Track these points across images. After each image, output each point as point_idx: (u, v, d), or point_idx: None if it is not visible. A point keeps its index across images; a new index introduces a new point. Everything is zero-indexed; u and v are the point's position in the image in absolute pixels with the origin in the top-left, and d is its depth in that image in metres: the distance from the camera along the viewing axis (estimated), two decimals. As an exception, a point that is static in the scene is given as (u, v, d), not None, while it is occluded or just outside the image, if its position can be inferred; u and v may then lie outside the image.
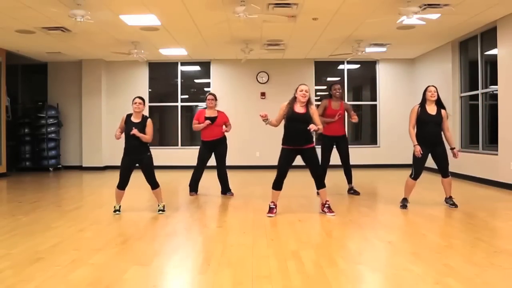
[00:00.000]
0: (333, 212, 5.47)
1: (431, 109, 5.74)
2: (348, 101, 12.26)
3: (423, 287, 3.00)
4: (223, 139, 7.08)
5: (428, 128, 5.69)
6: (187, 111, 12.75)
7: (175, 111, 12.34)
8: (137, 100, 5.53)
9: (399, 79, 12.19)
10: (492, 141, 8.44)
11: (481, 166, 8.53)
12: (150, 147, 5.67)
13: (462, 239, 4.39)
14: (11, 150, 11.30)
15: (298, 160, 6.91)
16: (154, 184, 5.66)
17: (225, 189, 7.17)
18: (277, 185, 5.44)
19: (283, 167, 5.38)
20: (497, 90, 8.07)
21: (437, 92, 5.77)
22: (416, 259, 3.61)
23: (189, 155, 10.63)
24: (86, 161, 12.00)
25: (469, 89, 9.49)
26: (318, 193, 6.98)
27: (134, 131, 5.37)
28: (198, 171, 7.12)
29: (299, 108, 5.31)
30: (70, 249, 3.95)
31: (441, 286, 2.98)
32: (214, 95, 7.10)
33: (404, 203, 5.87)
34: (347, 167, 7.00)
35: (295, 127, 5.28)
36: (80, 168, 12.01)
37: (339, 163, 7.03)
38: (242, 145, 11.37)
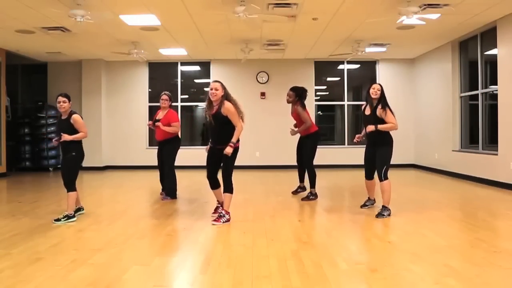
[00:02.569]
0: (219, 222, 5.01)
1: (368, 109, 5.59)
2: (348, 101, 12.30)
3: (423, 287, 3.00)
4: (169, 140, 6.69)
5: (365, 130, 5.58)
6: (187, 111, 12.76)
7: (175, 111, 12.32)
8: (60, 99, 5.19)
9: (399, 79, 12.18)
10: (492, 141, 8.44)
11: (481, 166, 8.53)
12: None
13: (462, 239, 4.39)
14: (11, 150, 11.29)
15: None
16: (67, 187, 5.25)
17: (165, 191, 6.83)
18: (210, 184, 5.34)
19: (207, 165, 5.30)
20: (497, 90, 8.07)
21: (382, 90, 5.51)
22: (416, 259, 3.61)
23: (189, 155, 10.64)
24: (86, 161, 11.75)
25: (469, 89, 9.49)
26: (293, 192, 7.01)
27: (64, 137, 5.10)
28: (160, 171, 6.96)
29: (212, 108, 5.12)
30: (70, 249, 3.95)
31: (441, 286, 2.98)
32: (168, 94, 6.88)
33: (365, 203, 5.87)
34: (301, 167, 6.81)
35: (210, 128, 5.20)
36: (80, 168, 11.99)
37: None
38: (242, 145, 11.31)
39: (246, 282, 3.09)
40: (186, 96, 12.47)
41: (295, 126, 6.75)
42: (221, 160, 5.18)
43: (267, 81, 12.09)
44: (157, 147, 6.97)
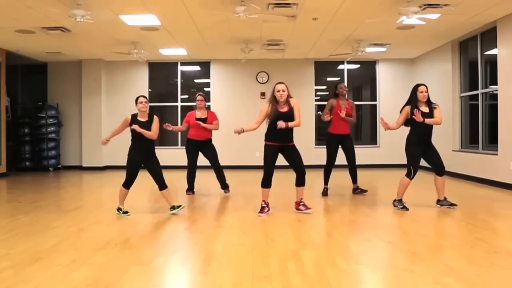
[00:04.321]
0: (310, 208, 5.54)
1: (424, 108, 5.64)
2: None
3: (423, 287, 3.00)
4: (211, 140, 7.16)
5: (423, 127, 5.59)
6: (187, 111, 12.72)
7: (175, 111, 12.34)
8: (143, 99, 5.48)
9: (399, 79, 12.18)
10: (492, 141, 8.44)
11: (481, 166, 8.53)
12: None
13: (462, 239, 4.39)
14: (11, 150, 11.29)
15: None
16: (163, 184, 5.56)
17: (224, 186, 7.25)
18: (267, 182, 5.43)
19: (271, 165, 5.38)
20: (497, 90, 8.07)
21: (427, 91, 5.67)
22: (416, 259, 3.61)
23: (189, 155, 10.64)
24: (86, 161, 12.01)
25: (469, 89, 9.50)
26: (323, 194, 7.01)
27: (134, 127, 5.30)
28: (192, 170, 7.13)
29: (282, 107, 5.32)
30: (70, 249, 3.95)
31: (441, 286, 2.98)
32: (203, 95, 7.18)
33: (403, 205, 5.71)
34: (353, 167, 6.97)
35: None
36: (80, 168, 12.01)
37: (341, 163, 7.02)
38: (241, 145, 11.38)
39: (246, 282, 3.09)
40: (186, 96, 12.46)
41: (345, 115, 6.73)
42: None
43: (267, 81, 12.09)
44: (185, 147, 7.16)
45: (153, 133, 5.45)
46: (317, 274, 3.25)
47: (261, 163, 5.49)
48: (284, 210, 5.77)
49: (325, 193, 6.99)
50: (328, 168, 6.95)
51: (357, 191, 7.06)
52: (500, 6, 7.05)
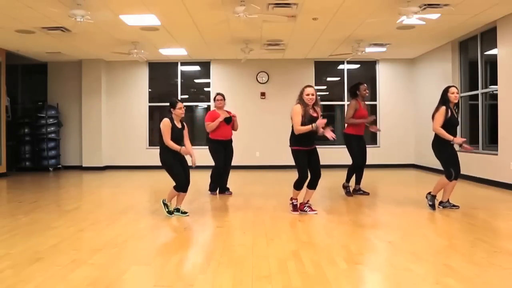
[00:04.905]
0: (315, 210, 5.58)
1: (453, 113, 5.56)
2: (348, 101, 12.26)
3: (423, 287, 3.00)
4: (231, 138, 7.18)
5: (452, 132, 5.50)
6: (188, 111, 12.68)
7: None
8: (181, 105, 5.47)
9: (399, 79, 12.19)
10: (492, 141, 8.44)
11: (481, 166, 8.53)
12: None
13: (462, 239, 4.39)
14: (11, 150, 11.30)
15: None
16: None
17: (225, 188, 7.21)
18: (301, 186, 5.48)
19: (306, 169, 5.40)
20: (497, 90, 8.07)
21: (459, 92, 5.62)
22: (416, 259, 3.61)
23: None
24: (86, 161, 12.01)
25: (469, 89, 9.49)
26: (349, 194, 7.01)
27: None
28: (221, 169, 7.03)
29: (312, 111, 5.39)
30: (70, 249, 3.95)
31: (441, 286, 2.98)
32: (222, 95, 7.12)
33: (433, 202, 5.71)
34: (362, 168, 7.04)
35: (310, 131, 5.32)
36: (80, 168, 12.01)
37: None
38: (242, 145, 11.35)
39: (246, 282, 3.09)
40: (186, 96, 12.46)
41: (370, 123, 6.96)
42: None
43: (267, 81, 12.09)
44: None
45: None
46: (317, 274, 3.25)
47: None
48: (284, 210, 5.77)
49: (348, 192, 6.97)
50: (353, 170, 7.00)
51: (359, 192, 7.06)
52: (500, 6, 7.05)
